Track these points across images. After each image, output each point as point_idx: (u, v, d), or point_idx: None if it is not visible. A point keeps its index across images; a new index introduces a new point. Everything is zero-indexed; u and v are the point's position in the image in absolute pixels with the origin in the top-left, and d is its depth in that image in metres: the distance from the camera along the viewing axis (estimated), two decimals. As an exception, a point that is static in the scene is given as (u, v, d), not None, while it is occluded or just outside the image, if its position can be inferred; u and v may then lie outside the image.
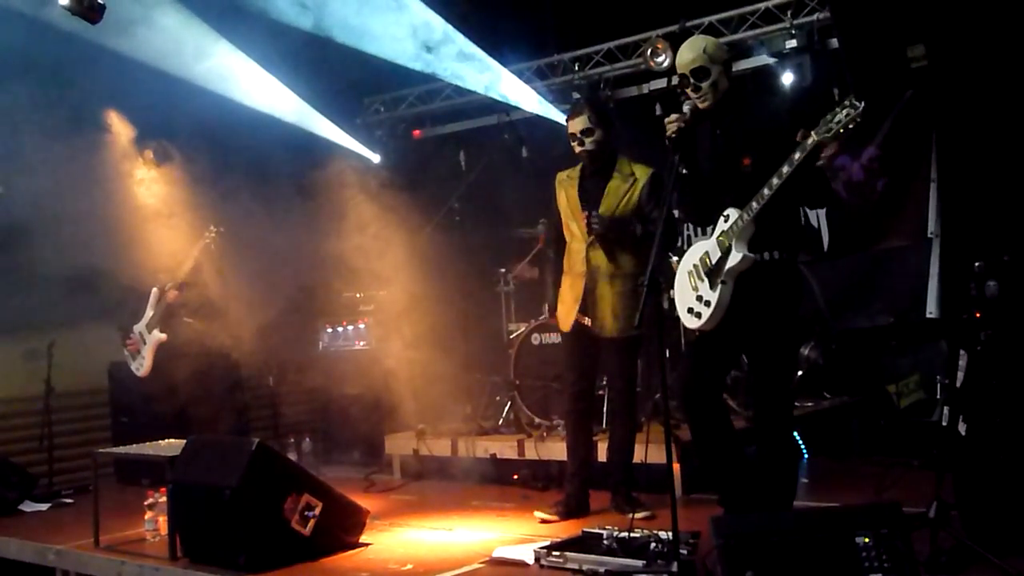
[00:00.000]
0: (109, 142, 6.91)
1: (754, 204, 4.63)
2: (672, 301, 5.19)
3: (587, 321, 6.01)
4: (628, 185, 6.01)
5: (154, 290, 7.28)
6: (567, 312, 6.10)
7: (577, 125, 5.99)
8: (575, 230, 6.10)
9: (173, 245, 7.10)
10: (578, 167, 6.20)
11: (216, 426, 7.07)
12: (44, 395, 8.07)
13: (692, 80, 4.86)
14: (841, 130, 4.36)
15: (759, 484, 4.84)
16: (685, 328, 5.04)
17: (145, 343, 7.35)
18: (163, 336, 7.26)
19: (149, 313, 7.34)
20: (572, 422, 6.21)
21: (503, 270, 8.24)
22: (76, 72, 6.87)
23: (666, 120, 4.84)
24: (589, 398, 6.24)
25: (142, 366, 7.39)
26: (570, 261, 6.17)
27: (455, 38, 8.57)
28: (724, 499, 5.02)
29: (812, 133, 4.43)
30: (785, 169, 4.53)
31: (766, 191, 4.58)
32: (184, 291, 7.21)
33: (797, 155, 4.51)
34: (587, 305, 6.01)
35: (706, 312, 4.83)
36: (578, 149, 6.05)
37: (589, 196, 6.06)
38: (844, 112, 4.34)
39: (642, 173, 6.02)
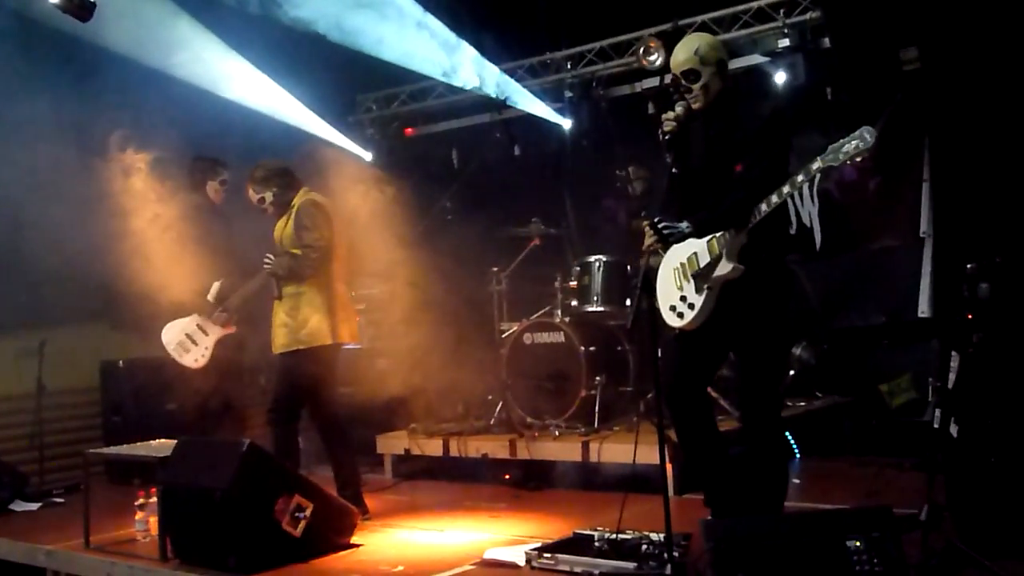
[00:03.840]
0: (109, 149, 6.77)
1: (749, 218, 4.60)
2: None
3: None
4: (286, 218, 6.43)
5: (216, 284, 6.99)
6: None
7: (253, 199, 6.50)
8: None
9: (173, 253, 6.92)
10: None
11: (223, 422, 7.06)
12: (35, 394, 8.03)
13: (684, 82, 4.83)
14: (848, 160, 4.36)
15: (746, 484, 4.82)
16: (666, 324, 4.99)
17: (207, 334, 7.11)
18: (232, 329, 7.10)
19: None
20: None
21: (495, 269, 8.22)
22: (66, 68, 6.83)
23: (663, 116, 4.81)
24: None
25: (202, 357, 7.09)
26: None
27: (448, 36, 8.55)
28: (710, 499, 5.02)
29: (818, 159, 4.42)
30: (786, 189, 4.52)
31: (764, 207, 4.55)
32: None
33: (800, 178, 4.51)
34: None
35: (689, 314, 4.80)
36: None
37: None
38: (854, 144, 4.32)
39: (296, 202, 6.40)
